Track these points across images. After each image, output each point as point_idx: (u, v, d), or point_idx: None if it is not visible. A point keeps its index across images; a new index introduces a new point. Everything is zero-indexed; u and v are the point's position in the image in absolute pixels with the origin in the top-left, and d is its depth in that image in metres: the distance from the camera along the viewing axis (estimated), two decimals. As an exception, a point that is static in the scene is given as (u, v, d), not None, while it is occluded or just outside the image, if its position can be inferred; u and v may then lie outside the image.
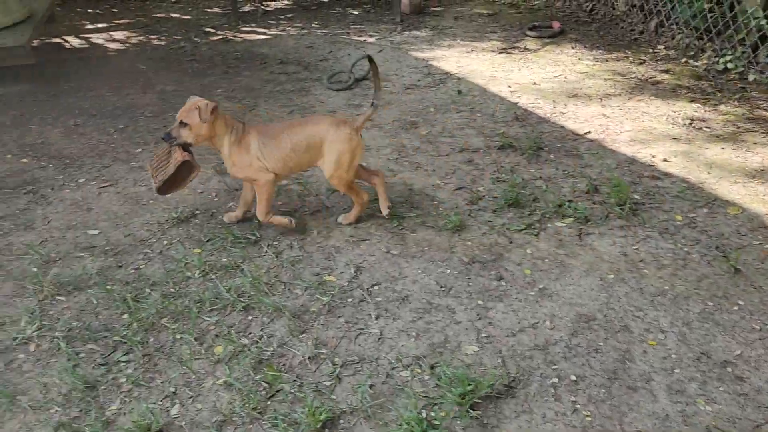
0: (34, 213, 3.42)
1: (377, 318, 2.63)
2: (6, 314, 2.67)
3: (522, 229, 3.18)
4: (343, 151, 2.99)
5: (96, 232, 3.24)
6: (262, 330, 2.57)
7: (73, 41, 6.37)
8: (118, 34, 6.57)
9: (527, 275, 2.87)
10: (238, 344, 2.49)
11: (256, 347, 2.48)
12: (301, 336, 2.54)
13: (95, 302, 2.73)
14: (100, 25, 6.92)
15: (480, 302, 2.71)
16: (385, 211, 3.24)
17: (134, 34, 6.56)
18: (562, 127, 4.27)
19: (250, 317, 2.64)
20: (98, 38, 6.45)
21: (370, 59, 3.13)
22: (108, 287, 2.80)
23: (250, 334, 2.55)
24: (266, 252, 3.05)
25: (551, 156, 3.89)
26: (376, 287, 2.82)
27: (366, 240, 3.14)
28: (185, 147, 2.97)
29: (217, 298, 2.72)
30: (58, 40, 6.35)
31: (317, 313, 2.66)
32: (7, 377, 2.37)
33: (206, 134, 2.95)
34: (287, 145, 2.99)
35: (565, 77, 5.11)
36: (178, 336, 2.54)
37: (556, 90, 4.87)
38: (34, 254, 3.03)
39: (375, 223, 3.26)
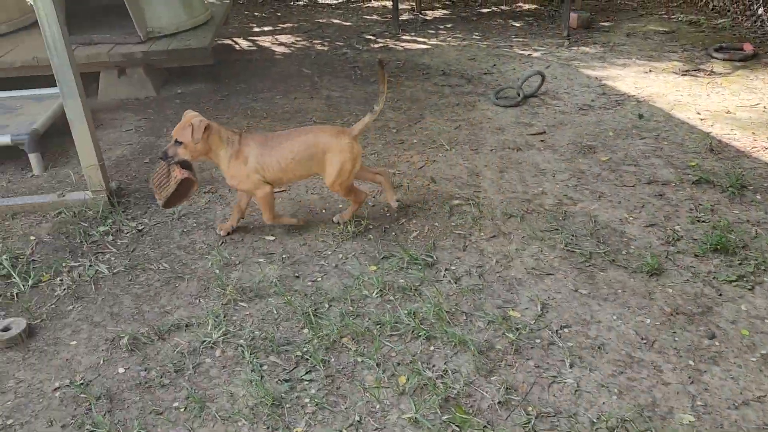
0: (214, 213, 3.50)
1: (571, 366, 2.39)
2: (193, 315, 2.72)
3: (733, 281, 2.80)
4: (345, 160, 3.03)
5: (272, 238, 3.25)
6: (446, 363, 2.42)
7: (242, 43, 6.63)
8: (283, 38, 6.76)
9: (745, 337, 2.50)
10: (423, 377, 2.35)
11: (442, 383, 2.32)
12: (488, 376, 2.36)
13: (275, 312, 2.71)
14: (266, 28, 7.17)
15: (691, 362, 2.39)
16: (394, 204, 3.31)
17: (298, 39, 6.73)
18: (767, 164, 3.78)
19: (432, 347, 2.50)
20: (265, 41, 6.68)
21: (380, 63, 3.07)
22: (288, 297, 2.77)
23: (434, 366, 2.41)
24: (444, 276, 2.90)
25: (758, 196, 3.44)
26: (566, 330, 2.58)
27: (550, 274, 2.91)
28: (183, 163, 2.99)
29: (397, 323, 2.61)
30: (228, 41, 6.65)
31: (503, 352, 2.47)
32: (197, 381, 2.38)
33: (202, 150, 2.97)
34: (288, 156, 3.00)
35: (764, 106, 4.57)
36: (359, 359, 2.44)
37: (755, 120, 4.36)
38: (217, 255, 3.08)
39: (558, 257, 3.02)
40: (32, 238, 3.27)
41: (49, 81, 4.93)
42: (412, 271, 2.94)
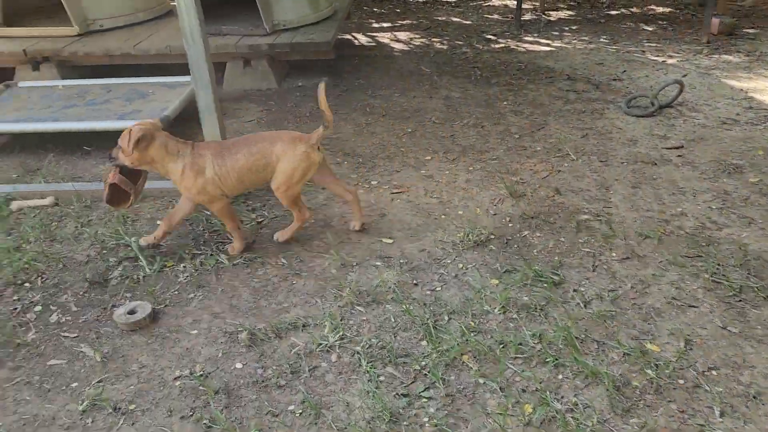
0: (332, 210, 3.46)
1: (721, 415, 2.13)
2: (309, 314, 2.67)
3: None
4: (296, 167, 2.91)
5: (390, 241, 3.16)
6: (576, 395, 2.22)
7: (361, 38, 6.62)
8: (402, 35, 6.69)
9: None
10: (551, 408, 2.17)
11: (573, 417, 2.14)
12: (624, 416, 2.14)
13: (393, 320, 2.61)
14: (384, 25, 7.13)
15: None
16: (354, 226, 3.20)
17: (417, 36, 6.64)
18: None
19: (560, 376, 2.31)
20: (383, 37, 6.63)
21: (321, 88, 2.87)
22: (406, 306, 2.67)
23: (562, 398, 2.22)
24: (572, 298, 2.69)
25: None
26: (714, 372, 2.31)
27: (693, 307, 2.63)
28: (123, 169, 2.90)
29: (521, 344, 2.44)
30: (348, 36, 6.66)
31: (641, 390, 2.24)
32: (312, 385, 2.32)
33: (141, 160, 2.84)
34: (244, 165, 2.89)
35: None
36: (481, 380, 2.29)
37: None
38: (334, 255, 3.03)
39: (702, 287, 2.73)
40: (158, 222, 3.36)
41: (178, 69, 5.12)
42: (537, 289, 2.75)
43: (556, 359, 2.36)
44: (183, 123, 4.37)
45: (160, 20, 5.81)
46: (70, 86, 4.73)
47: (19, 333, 2.62)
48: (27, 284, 2.91)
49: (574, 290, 2.74)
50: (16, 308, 2.77)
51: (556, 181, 3.65)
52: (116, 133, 4.14)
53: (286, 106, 4.90)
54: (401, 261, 3.00)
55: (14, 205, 3.52)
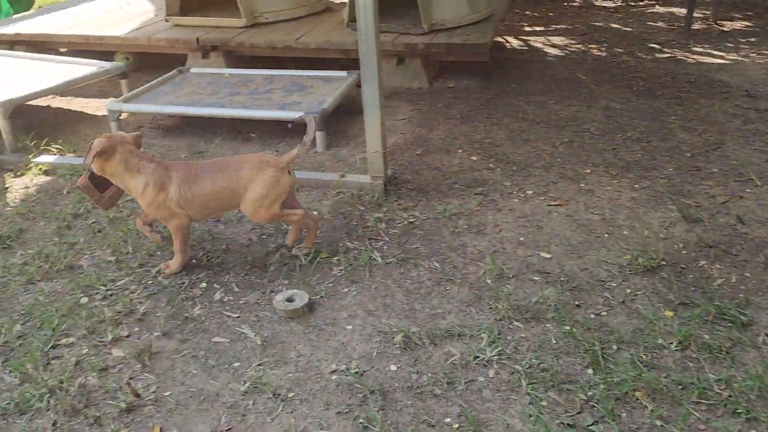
0: (485, 217, 3.35)
1: None
2: (464, 324, 2.58)
3: None
4: (265, 194, 2.81)
5: (548, 255, 3.00)
6: (771, 456, 1.97)
7: (513, 42, 6.44)
8: (556, 39, 6.43)
9: None
10: (742, 467, 1.93)
11: (768, 481, 1.89)
12: (833, 488, 1.86)
13: (554, 341, 2.46)
14: (537, 28, 6.89)
15: None
16: (303, 251, 3.04)
17: (572, 42, 6.35)
18: None
19: (752, 430, 2.05)
20: (536, 41, 6.41)
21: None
22: (569, 328, 2.50)
23: (756, 456, 1.97)
24: (764, 342, 2.40)
25: None
26: None
27: None
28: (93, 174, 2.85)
29: (705, 389, 2.20)
30: (499, 39, 6.50)
31: None
32: (469, 399, 2.23)
33: (101, 171, 2.79)
34: (209, 191, 2.80)
35: None
36: (658, 422, 2.09)
37: None
38: (489, 264, 2.92)
39: None
40: (315, 213, 3.41)
41: (333, 64, 5.23)
42: (721, 328, 2.48)
43: (749, 411, 2.10)
44: (338, 117, 4.44)
45: (318, 16, 5.97)
46: (235, 74, 4.96)
47: (186, 307, 2.75)
48: (194, 261, 3.05)
49: (766, 334, 2.44)
50: (183, 282, 2.90)
51: (737, 208, 3.30)
52: (277, 123, 4.31)
53: (437, 106, 4.84)
54: (561, 278, 2.83)
55: (183, 184, 3.72)
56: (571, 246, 3.06)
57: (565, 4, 7.87)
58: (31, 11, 6.92)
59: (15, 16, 6.49)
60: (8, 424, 2.19)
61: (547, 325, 2.55)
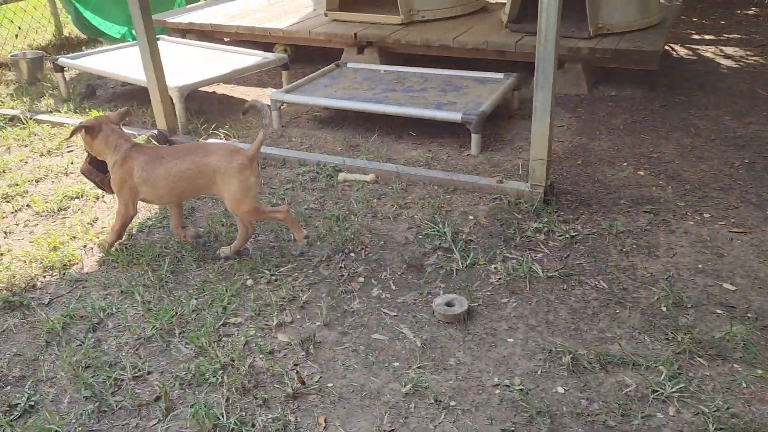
0: (657, 238, 3.11)
1: None
2: (637, 352, 2.39)
3: None
4: (240, 183, 2.80)
5: (732, 287, 2.72)
6: None
7: (680, 50, 6.00)
8: (729, 50, 5.91)
9: None
10: None
11: None
12: None
13: (744, 385, 2.22)
14: (707, 37, 6.38)
15: None
16: (225, 252, 3.07)
17: (749, 53, 5.81)
18: None
19: None
20: (706, 51, 5.93)
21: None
22: (761, 372, 2.25)
23: None
24: None
25: None
26: None
27: None
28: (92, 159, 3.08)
29: None
30: (665, 47, 6.08)
31: None
32: (646, 436, 2.06)
33: (90, 150, 3.02)
34: (174, 172, 2.86)
35: None
36: None
37: None
38: (665, 290, 2.70)
39: None
40: (471, 217, 3.34)
41: (486, 65, 5.12)
42: None
43: None
44: (492, 120, 4.33)
45: (473, 16, 5.88)
46: (390, 71, 5.00)
47: (346, 300, 2.77)
48: (352, 254, 3.08)
49: None
50: (342, 275, 2.94)
51: None
52: (432, 122, 4.28)
53: (597, 115, 4.60)
54: (749, 314, 2.56)
55: (340, 176, 3.78)
56: (759, 279, 2.77)
57: (738, 12, 7.23)
58: (201, 2, 7.40)
59: (188, 6, 6.95)
60: (185, 394, 2.31)
61: (735, 365, 2.31)
